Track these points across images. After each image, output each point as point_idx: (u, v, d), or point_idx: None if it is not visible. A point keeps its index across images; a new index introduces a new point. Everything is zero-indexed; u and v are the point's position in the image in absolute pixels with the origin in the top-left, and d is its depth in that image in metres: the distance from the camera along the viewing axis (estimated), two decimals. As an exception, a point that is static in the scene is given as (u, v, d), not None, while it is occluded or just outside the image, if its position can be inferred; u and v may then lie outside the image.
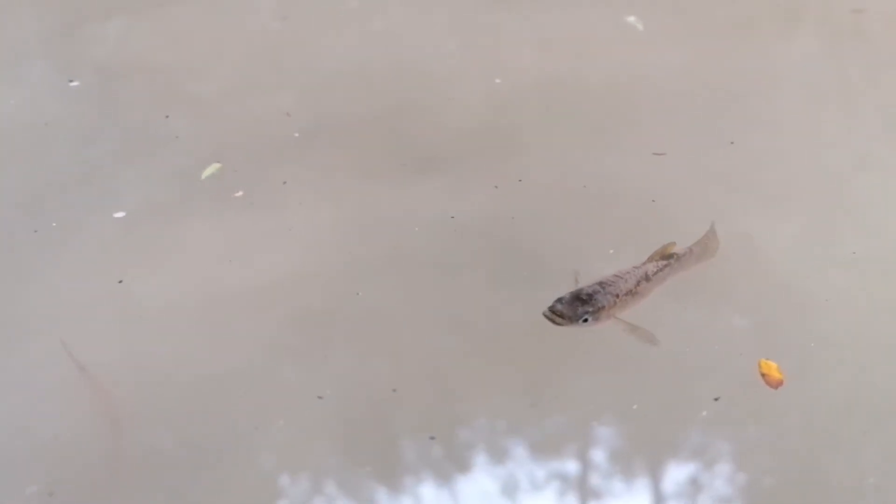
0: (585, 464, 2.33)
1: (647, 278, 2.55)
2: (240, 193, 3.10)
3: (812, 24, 4.30)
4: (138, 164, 3.32)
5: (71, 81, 3.83)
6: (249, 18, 4.31)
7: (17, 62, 4.07)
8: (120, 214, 3.05)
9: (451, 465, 2.33)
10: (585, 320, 2.40)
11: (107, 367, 2.55)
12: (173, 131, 3.49)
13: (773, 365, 2.48)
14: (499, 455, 2.35)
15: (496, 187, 3.12)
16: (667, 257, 2.62)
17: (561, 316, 2.39)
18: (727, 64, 3.86)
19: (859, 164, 3.29)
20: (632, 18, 4.22)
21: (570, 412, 2.41)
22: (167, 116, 3.59)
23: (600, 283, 2.47)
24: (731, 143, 3.32)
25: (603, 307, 2.43)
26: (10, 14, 4.37)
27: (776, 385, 2.44)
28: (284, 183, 3.16)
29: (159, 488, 2.29)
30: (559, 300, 2.42)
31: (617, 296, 2.46)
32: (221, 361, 2.58)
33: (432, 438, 2.34)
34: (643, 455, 2.34)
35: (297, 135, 3.45)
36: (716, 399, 2.40)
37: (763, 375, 2.45)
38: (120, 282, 2.79)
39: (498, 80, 3.76)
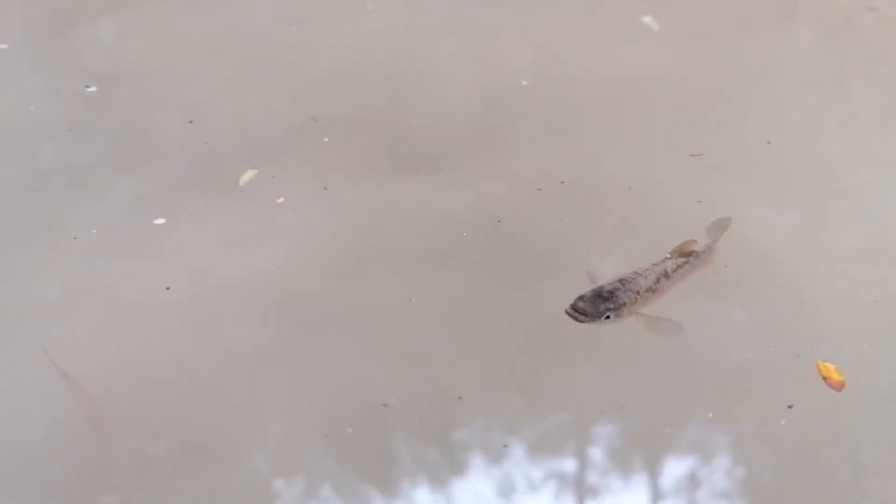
0: (678, 473, 2.32)
1: (666, 275, 2.59)
2: (281, 200, 3.07)
3: (827, 21, 4.30)
4: (170, 170, 3.29)
5: (88, 87, 3.77)
6: (268, 24, 4.28)
7: (33, 68, 4.01)
8: (160, 221, 3.01)
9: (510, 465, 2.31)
10: (608, 317, 2.45)
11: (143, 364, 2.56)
12: (200, 137, 3.45)
13: (832, 367, 2.46)
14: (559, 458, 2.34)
15: (539, 189, 3.11)
16: (686, 255, 2.65)
17: (583, 313, 2.43)
18: (749, 62, 3.86)
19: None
20: (647, 18, 4.20)
21: (645, 421, 2.40)
22: (191, 122, 3.54)
23: (620, 281, 2.52)
24: (768, 142, 3.31)
25: (624, 304, 2.47)
26: (27, 22, 4.31)
27: (839, 387, 2.43)
28: (325, 189, 3.12)
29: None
30: (581, 298, 2.46)
31: (637, 293, 2.51)
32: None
33: (505, 446, 2.32)
34: (735, 466, 2.32)
35: (326, 139, 3.41)
36: (789, 406, 2.39)
37: (824, 378, 2.44)
38: (167, 288, 2.75)
39: (524, 82, 3.74)
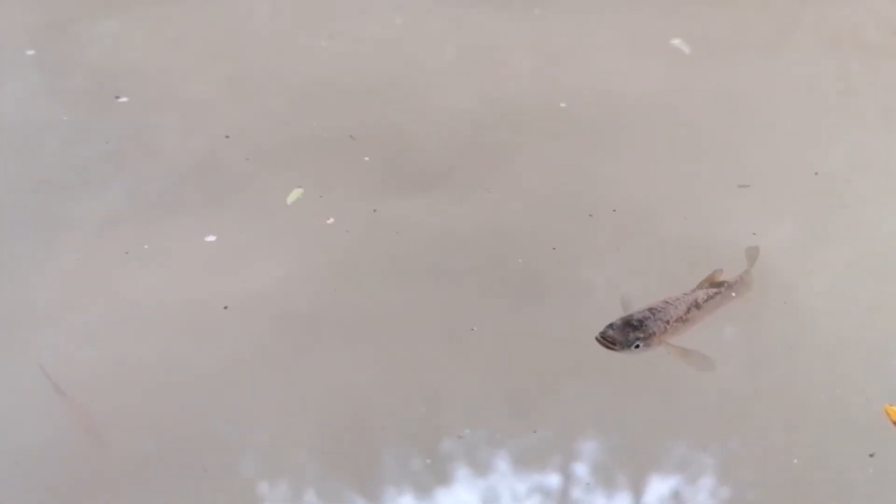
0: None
1: (697, 305, 2.57)
2: (331, 220, 3.03)
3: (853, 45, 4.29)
4: (212, 188, 3.25)
5: (118, 98, 3.72)
6: (302, 40, 4.25)
7: (60, 80, 3.96)
8: (211, 238, 2.97)
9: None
10: (637, 346, 2.43)
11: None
12: (241, 154, 3.41)
13: (899, 410, 2.44)
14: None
15: (614, 210, 3.10)
16: (717, 285, 2.64)
17: (613, 342, 2.42)
18: (780, 85, 3.86)
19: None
20: (677, 41, 4.19)
21: (731, 462, 2.38)
22: (227, 136, 3.50)
23: (650, 310, 2.50)
24: (816, 173, 3.28)
25: (654, 333, 2.45)
26: (56, 33, 4.25)
27: (909, 433, 2.39)
28: (374, 210, 3.08)
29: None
30: (610, 326, 2.45)
31: (667, 322, 2.49)
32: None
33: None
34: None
35: (367, 159, 3.37)
36: (871, 455, 2.35)
37: (895, 423, 2.41)
38: (225, 307, 2.72)
39: (563, 104, 3.71)
